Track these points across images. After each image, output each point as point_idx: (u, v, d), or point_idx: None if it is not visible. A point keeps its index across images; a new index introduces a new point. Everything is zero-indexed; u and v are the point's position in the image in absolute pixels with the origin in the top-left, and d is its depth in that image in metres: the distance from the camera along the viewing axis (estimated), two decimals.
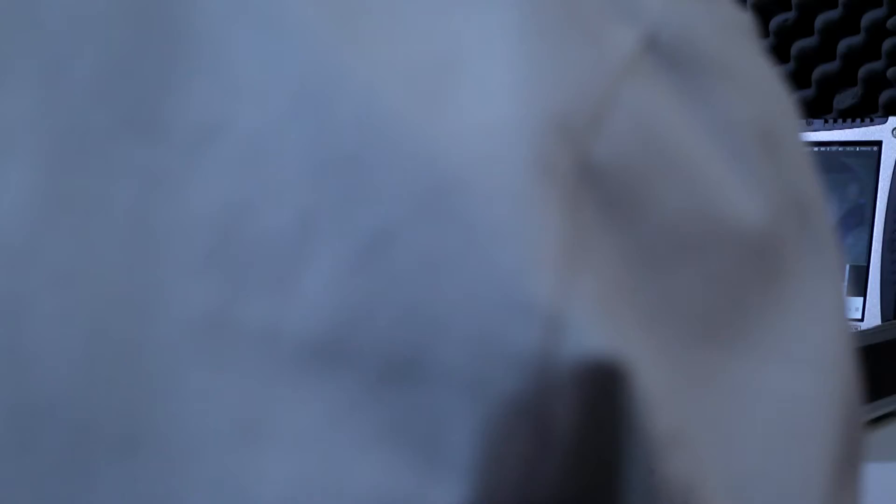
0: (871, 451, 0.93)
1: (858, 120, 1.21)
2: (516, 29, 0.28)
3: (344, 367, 0.26)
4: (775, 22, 1.32)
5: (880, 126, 1.19)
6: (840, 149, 1.22)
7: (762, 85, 0.32)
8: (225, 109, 0.27)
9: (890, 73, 1.25)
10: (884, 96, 1.26)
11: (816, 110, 1.31)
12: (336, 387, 0.26)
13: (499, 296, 0.25)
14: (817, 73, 1.30)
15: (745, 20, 0.33)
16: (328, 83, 0.27)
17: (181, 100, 0.27)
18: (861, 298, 1.16)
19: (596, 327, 0.26)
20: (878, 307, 1.15)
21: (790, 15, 1.32)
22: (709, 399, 0.28)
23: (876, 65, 1.27)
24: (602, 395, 0.26)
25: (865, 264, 1.17)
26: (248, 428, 0.26)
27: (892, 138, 1.19)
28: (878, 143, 1.19)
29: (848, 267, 1.18)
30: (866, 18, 1.27)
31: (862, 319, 1.15)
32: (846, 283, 1.18)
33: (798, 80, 1.32)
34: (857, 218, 1.19)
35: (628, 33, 0.29)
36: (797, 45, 1.31)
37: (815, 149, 1.23)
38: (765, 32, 1.34)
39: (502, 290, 0.25)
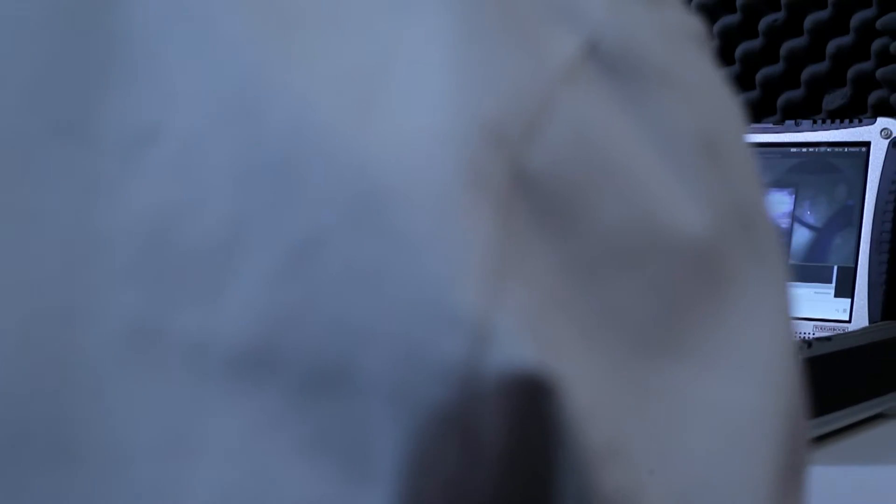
0: (861, 454, 0.93)
1: (847, 121, 1.21)
2: (450, 36, 0.27)
3: (271, 378, 0.25)
4: (764, 22, 1.32)
5: (869, 127, 1.19)
6: (828, 150, 1.21)
7: (707, 93, 0.31)
8: (158, 115, 0.27)
9: (879, 73, 1.24)
10: (873, 97, 1.26)
11: (805, 111, 1.30)
12: (263, 397, 0.25)
13: (425, 305, 0.25)
14: (806, 73, 1.30)
15: (694, 26, 0.32)
16: (260, 90, 0.26)
17: (115, 105, 0.27)
18: (849, 300, 1.16)
19: (523, 339, 0.25)
20: (866, 308, 1.14)
21: (779, 15, 1.31)
22: (650, 410, 0.28)
23: (865, 65, 1.26)
24: (530, 408, 0.25)
25: (853, 266, 1.17)
26: (178, 439, 0.25)
27: (881, 139, 1.18)
28: (867, 144, 1.19)
29: (836, 268, 1.18)
30: (856, 19, 1.26)
31: (850, 321, 1.15)
32: (834, 284, 1.17)
33: (787, 80, 1.32)
34: (845, 219, 1.19)
35: (569, 40, 0.29)
36: (786, 46, 1.31)
37: (804, 149, 1.23)
38: (754, 33, 1.33)
39: (428, 300, 0.25)
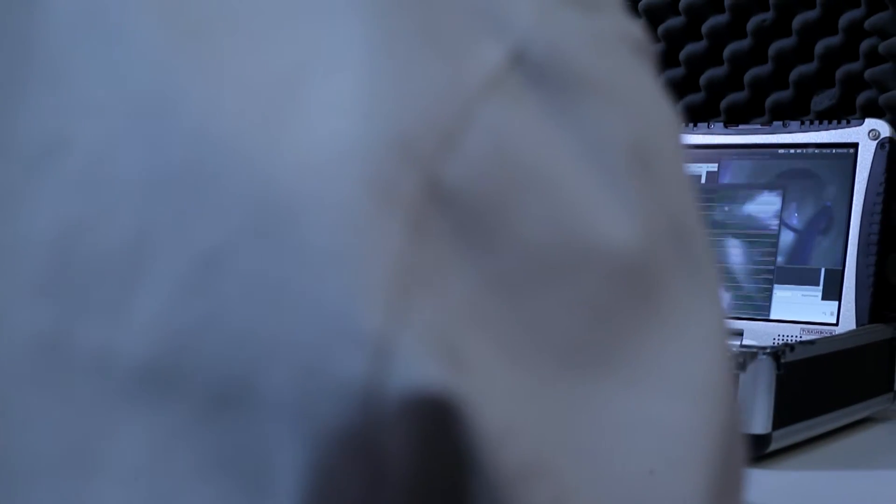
0: (849, 458, 0.92)
1: (835, 122, 1.20)
2: (366, 45, 0.27)
3: (174, 395, 0.25)
4: (753, 22, 1.31)
5: (857, 128, 1.18)
6: (816, 151, 1.21)
7: (640, 102, 0.31)
8: (66, 126, 0.26)
9: (868, 74, 1.23)
10: (861, 98, 1.25)
11: (794, 112, 1.29)
12: (167, 413, 0.25)
13: (326, 322, 0.24)
14: (795, 74, 1.29)
15: (634, 34, 0.31)
16: (167, 100, 0.26)
17: (24, 115, 0.27)
18: (836, 303, 1.15)
19: (428, 358, 0.25)
20: (853, 311, 1.13)
21: (768, 15, 1.30)
22: (579, 428, 0.27)
23: (854, 66, 1.25)
24: (436, 430, 0.25)
25: (840, 268, 1.16)
26: (82, 455, 0.25)
27: (869, 140, 1.17)
28: (855, 146, 1.18)
29: (823, 270, 1.17)
30: (844, 19, 1.25)
31: (837, 324, 1.14)
32: (821, 287, 1.16)
33: (776, 81, 1.31)
34: (833, 221, 1.18)
35: (494, 48, 0.28)
36: (775, 46, 1.30)
37: (791, 151, 1.22)
38: (742, 33, 1.32)
39: (329, 316, 0.24)
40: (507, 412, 0.26)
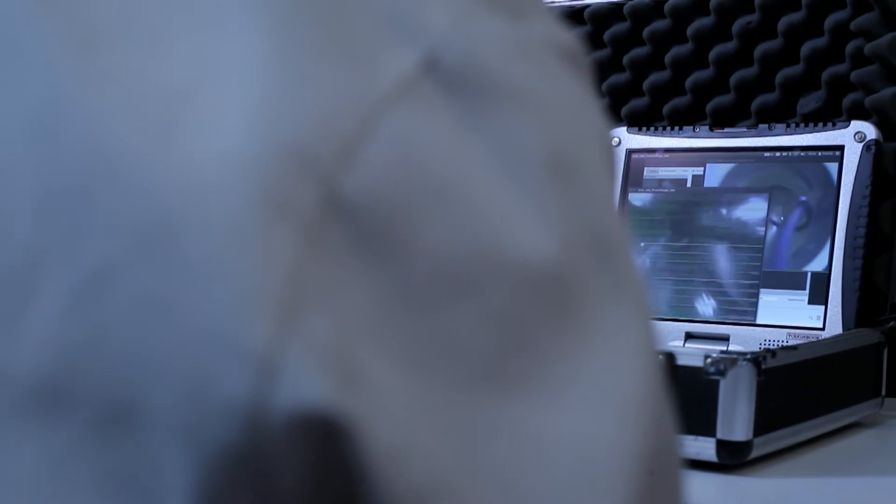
0: (837, 464, 0.91)
1: (821, 124, 1.19)
2: (262, 57, 0.26)
3: (67, 413, 0.24)
4: (738, 24, 1.30)
5: (842, 130, 1.17)
6: (802, 154, 1.20)
7: (561, 111, 0.30)
8: None
9: (854, 76, 1.22)
10: (847, 100, 1.24)
11: (780, 114, 1.28)
12: (60, 432, 0.24)
13: (211, 339, 0.24)
14: (780, 76, 1.28)
15: (563, 42, 0.31)
16: (59, 114, 0.26)
17: None
18: (822, 307, 1.14)
19: (316, 375, 0.24)
20: (840, 316, 1.12)
21: (753, 17, 1.29)
22: (485, 447, 0.26)
23: (840, 68, 1.24)
24: (326, 450, 0.24)
25: (827, 272, 1.15)
26: None
27: (855, 143, 1.16)
28: (841, 148, 1.17)
29: (810, 274, 1.16)
30: (830, 20, 1.24)
31: (824, 328, 1.13)
32: (808, 291, 1.15)
33: (761, 83, 1.30)
34: (819, 224, 1.17)
35: (405, 55, 0.27)
36: (760, 48, 1.29)
37: (777, 154, 1.21)
38: (727, 35, 1.31)
39: (215, 333, 0.24)
40: (404, 431, 0.25)
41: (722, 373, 0.86)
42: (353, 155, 0.26)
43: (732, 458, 0.87)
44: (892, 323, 1.14)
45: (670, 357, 0.88)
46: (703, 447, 0.86)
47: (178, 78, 0.26)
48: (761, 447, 0.88)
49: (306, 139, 0.25)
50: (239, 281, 0.24)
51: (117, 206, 0.25)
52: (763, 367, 0.87)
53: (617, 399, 0.28)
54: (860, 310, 1.13)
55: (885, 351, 1.12)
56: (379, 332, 0.25)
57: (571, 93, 0.31)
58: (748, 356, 0.87)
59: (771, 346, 1.10)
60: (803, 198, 1.18)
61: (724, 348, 1.13)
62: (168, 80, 0.26)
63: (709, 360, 0.86)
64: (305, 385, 0.24)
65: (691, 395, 0.87)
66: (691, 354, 0.88)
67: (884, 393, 1.11)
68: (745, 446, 0.87)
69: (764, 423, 0.88)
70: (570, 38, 0.31)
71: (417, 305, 0.26)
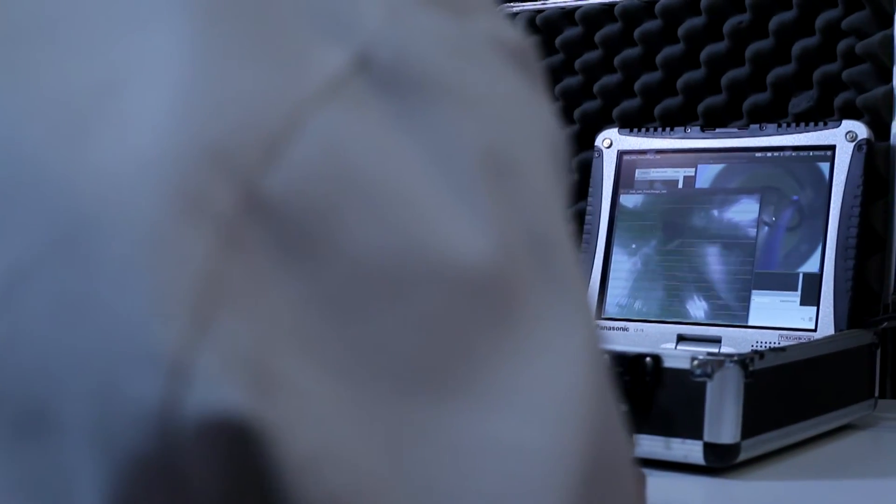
0: (827, 466, 0.90)
1: (812, 124, 1.18)
2: (184, 55, 0.26)
3: None
4: (729, 24, 1.29)
5: (834, 130, 1.16)
6: (793, 154, 1.19)
7: (502, 109, 0.29)
8: None
9: (845, 75, 1.21)
10: (839, 99, 1.23)
11: (772, 114, 1.27)
12: None
13: (122, 343, 0.23)
14: (772, 76, 1.27)
15: (509, 40, 0.30)
16: None
17: None
18: (814, 308, 1.13)
19: (229, 380, 0.23)
20: (832, 316, 1.11)
21: (744, 17, 1.28)
22: (412, 453, 0.25)
23: (831, 67, 1.23)
24: (239, 455, 0.24)
25: (819, 272, 1.14)
26: None
27: (846, 142, 1.15)
28: (832, 148, 1.16)
29: (801, 275, 1.15)
30: (821, 20, 1.24)
31: (815, 329, 1.12)
32: (800, 292, 1.14)
33: (753, 83, 1.29)
34: (811, 225, 1.16)
35: (336, 54, 0.27)
36: (752, 48, 1.28)
37: (769, 154, 1.20)
38: (719, 36, 1.30)
39: (125, 337, 0.23)
40: (324, 438, 0.24)
41: (709, 375, 0.85)
42: (277, 154, 0.25)
43: (720, 461, 0.86)
44: (885, 323, 1.13)
45: (657, 359, 0.87)
46: (691, 450, 0.85)
47: (98, 77, 0.26)
48: (749, 450, 0.88)
49: (226, 137, 0.25)
50: (151, 282, 0.24)
51: (35, 205, 0.24)
52: (750, 368, 0.86)
53: (555, 406, 0.27)
54: (853, 310, 1.12)
55: (879, 352, 1.11)
56: (302, 335, 0.25)
57: (514, 91, 0.30)
58: (735, 358, 0.86)
59: (762, 348, 1.09)
60: (795, 198, 1.18)
61: (717, 350, 1.12)
62: (89, 80, 0.25)
63: (695, 363, 0.85)
64: (217, 390, 0.23)
65: (679, 397, 0.86)
66: (678, 357, 0.88)
67: (877, 394, 1.11)
68: (732, 449, 0.86)
69: (752, 425, 0.87)
70: (517, 36, 0.31)
71: (344, 308, 0.25)
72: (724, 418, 0.85)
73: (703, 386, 0.85)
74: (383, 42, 0.27)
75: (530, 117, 0.30)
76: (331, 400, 0.25)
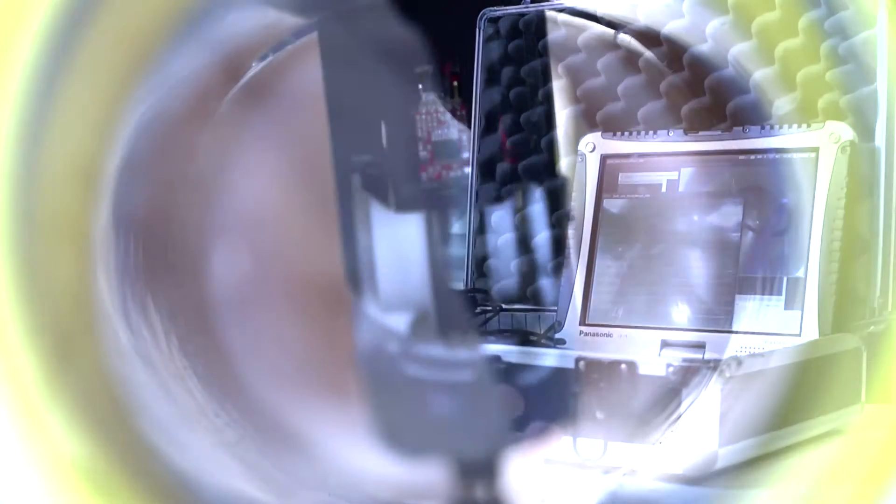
0: (810, 475, 0.88)
1: (795, 126, 1.16)
2: None
3: None
4: (712, 26, 1.28)
5: (817, 132, 1.14)
6: (777, 156, 1.17)
7: None
8: None
9: (829, 76, 1.20)
10: (823, 100, 1.21)
11: (756, 116, 1.26)
12: None
13: None
14: (756, 77, 1.25)
15: None
16: None
17: None
18: (798, 312, 1.11)
19: None
20: (816, 321, 1.09)
21: (727, 19, 1.27)
22: None
23: (814, 68, 1.22)
24: None
25: (803, 276, 1.12)
26: None
27: (830, 144, 1.14)
28: (816, 150, 1.15)
29: (785, 279, 1.13)
30: (804, 20, 1.22)
31: (799, 334, 1.10)
32: (784, 296, 1.12)
33: (737, 84, 1.28)
34: (795, 228, 1.14)
35: None
36: (735, 49, 1.27)
37: (752, 157, 1.18)
38: (702, 37, 1.29)
39: None
40: None
41: (684, 382, 0.83)
42: None
43: (697, 469, 0.84)
44: (871, 327, 1.12)
45: (632, 366, 0.86)
46: (668, 458, 0.84)
47: None
48: (728, 458, 0.86)
49: None
50: None
51: None
52: (727, 374, 0.85)
53: None
54: (838, 314, 1.10)
55: (865, 356, 1.10)
56: None
57: None
58: (711, 364, 0.84)
59: (744, 353, 1.07)
60: (778, 201, 1.16)
61: (700, 356, 1.11)
62: None
63: (671, 369, 0.84)
64: None
65: (655, 404, 0.85)
66: (653, 363, 0.86)
67: (864, 399, 1.09)
68: (709, 457, 0.84)
69: (730, 432, 0.86)
70: None
71: None
72: (700, 425, 0.84)
73: (678, 393, 0.84)
74: None
75: None
76: None
